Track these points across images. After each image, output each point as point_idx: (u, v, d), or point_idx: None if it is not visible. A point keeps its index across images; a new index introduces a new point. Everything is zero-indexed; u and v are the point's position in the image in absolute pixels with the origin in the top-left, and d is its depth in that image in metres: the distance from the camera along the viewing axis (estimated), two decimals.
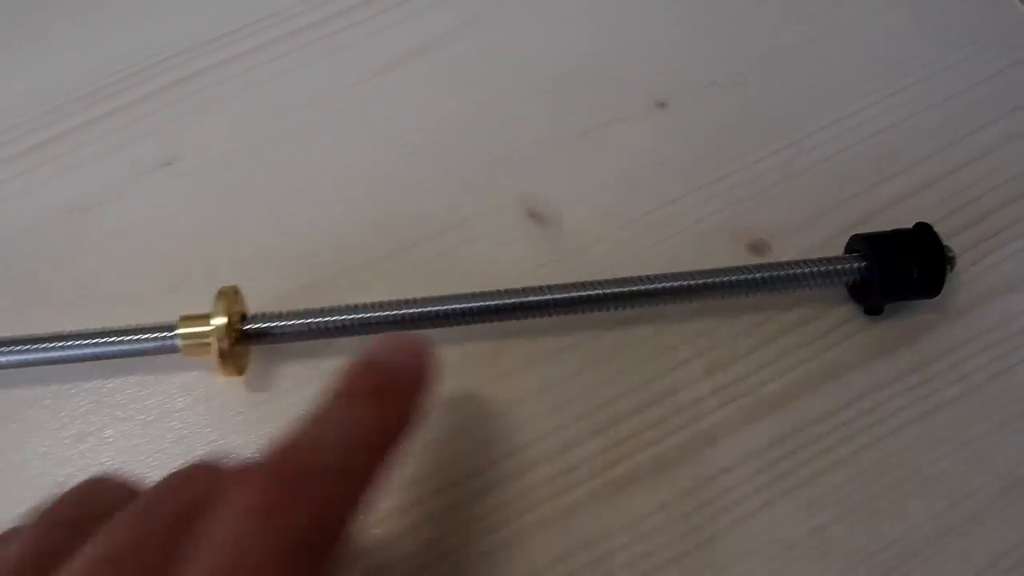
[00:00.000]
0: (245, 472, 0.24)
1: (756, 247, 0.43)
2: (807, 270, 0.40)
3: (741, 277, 0.40)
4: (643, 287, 0.40)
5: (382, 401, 0.28)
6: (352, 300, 0.40)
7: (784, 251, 0.43)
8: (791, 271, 0.40)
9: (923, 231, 0.40)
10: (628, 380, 0.41)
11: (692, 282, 0.40)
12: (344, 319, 0.39)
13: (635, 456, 0.39)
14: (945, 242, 0.41)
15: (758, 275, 0.40)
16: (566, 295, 0.40)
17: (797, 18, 0.50)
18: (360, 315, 0.39)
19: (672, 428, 0.40)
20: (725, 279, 0.40)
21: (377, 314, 0.39)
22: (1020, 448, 0.39)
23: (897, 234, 0.40)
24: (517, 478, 0.39)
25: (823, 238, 0.43)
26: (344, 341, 0.40)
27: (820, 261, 0.40)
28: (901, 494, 0.38)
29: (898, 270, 0.39)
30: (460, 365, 0.41)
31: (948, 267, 0.40)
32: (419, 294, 0.40)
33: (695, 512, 0.38)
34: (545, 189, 0.45)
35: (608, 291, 0.40)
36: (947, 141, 0.46)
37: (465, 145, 0.47)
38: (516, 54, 0.50)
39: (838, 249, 0.42)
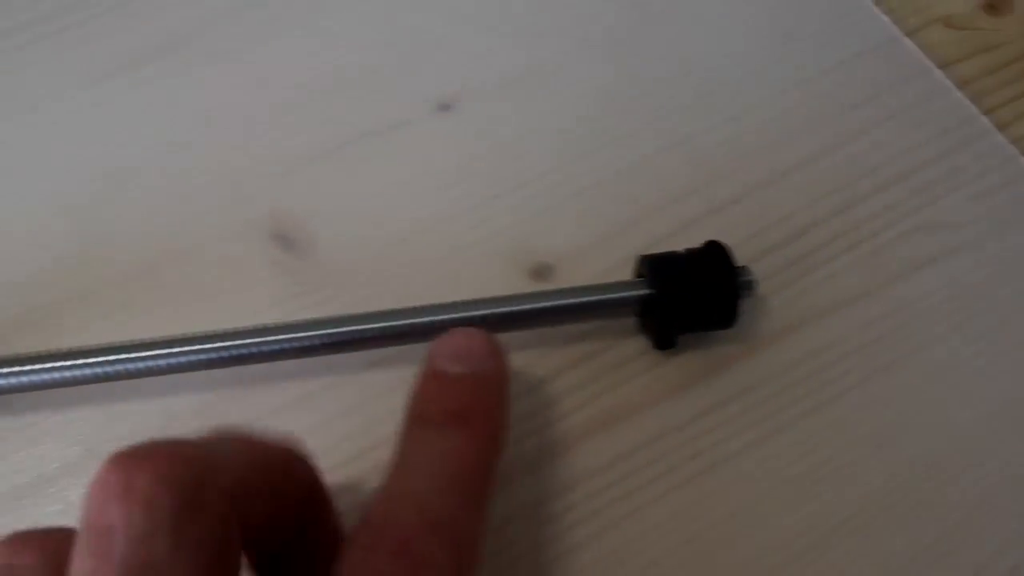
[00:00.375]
0: (357, 548, 0.23)
1: (539, 272, 0.38)
2: (576, 300, 0.34)
3: (504, 310, 0.34)
4: (395, 324, 0.34)
5: (469, 425, 0.27)
6: (69, 337, 0.34)
7: (570, 276, 0.37)
8: (558, 302, 0.34)
9: (713, 251, 0.34)
10: (381, 430, 0.34)
11: (451, 316, 0.34)
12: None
13: None
14: (742, 263, 0.35)
15: (520, 307, 0.34)
16: (297, 339, 0.34)
17: (615, 9, 0.45)
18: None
19: None
20: (488, 312, 0.34)
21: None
22: (829, 499, 0.34)
23: (684, 255, 0.34)
24: None
25: (616, 260, 0.37)
26: None
27: (596, 288, 0.35)
28: (694, 552, 0.33)
29: (683, 297, 0.33)
30: (196, 414, 0.35)
31: (745, 293, 0.35)
32: (144, 332, 0.34)
33: None
34: (299, 208, 0.39)
35: (351, 330, 0.34)
36: (758, 153, 0.41)
37: (207, 159, 0.41)
38: (272, 51, 0.43)
39: (631, 273, 0.37)
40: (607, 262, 0.38)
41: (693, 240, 0.36)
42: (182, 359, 0.33)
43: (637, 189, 0.40)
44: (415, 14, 0.44)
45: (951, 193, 0.40)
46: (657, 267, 0.35)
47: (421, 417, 0.27)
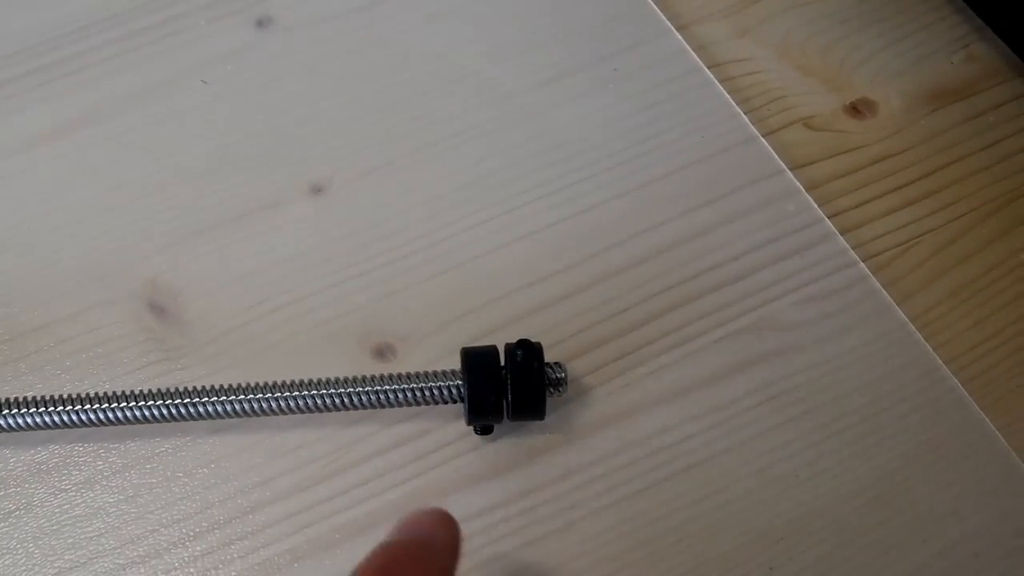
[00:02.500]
0: None
1: (382, 352, 0.40)
2: (401, 388, 0.37)
3: (334, 393, 0.38)
4: (235, 399, 0.38)
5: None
6: None
7: (409, 357, 0.40)
8: (385, 388, 0.37)
9: (525, 349, 0.36)
10: (217, 492, 0.38)
11: (286, 395, 0.37)
12: None
13: None
14: (564, 359, 0.38)
15: (351, 391, 0.38)
16: (146, 408, 0.38)
17: (482, 102, 0.47)
18: None
19: (242, 551, 0.37)
20: (316, 394, 0.38)
21: None
22: None
23: (495, 351, 0.37)
24: None
25: (454, 344, 0.40)
26: None
27: (421, 377, 0.37)
28: None
29: (489, 390, 0.36)
30: (32, 474, 0.39)
31: (555, 389, 0.37)
32: (24, 391, 0.38)
33: None
34: (174, 280, 0.43)
35: (203, 403, 0.38)
36: (600, 247, 0.43)
37: (95, 227, 0.44)
38: (166, 133, 0.47)
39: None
40: (445, 346, 0.40)
41: (530, 329, 0.40)
42: (38, 419, 0.37)
43: (480, 278, 0.42)
44: (296, 106, 0.47)
45: (785, 295, 0.42)
46: (473, 361, 0.37)
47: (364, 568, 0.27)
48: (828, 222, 0.43)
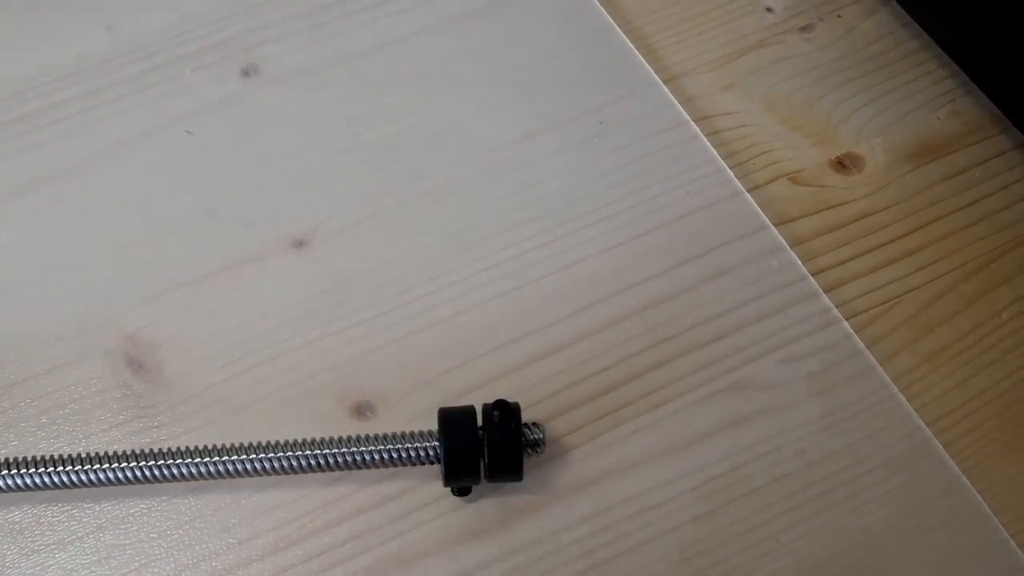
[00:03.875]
0: None
1: (360, 409, 0.40)
2: (376, 449, 0.37)
3: (304, 454, 0.38)
4: (211, 461, 0.37)
5: None
6: None
7: (388, 415, 0.40)
8: (354, 449, 0.37)
9: (501, 410, 0.36)
10: (176, 560, 0.38)
11: (261, 457, 0.37)
12: None
13: None
14: (541, 419, 0.38)
15: (327, 453, 0.38)
16: (120, 470, 0.37)
17: (465, 156, 0.47)
18: None
19: None
20: (292, 455, 0.37)
21: None
22: None
23: (472, 411, 0.37)
24: None
25: (434, 402, 0.39)
26: None
27: (397, 438, 0.37)
28: None
29: (466, 452, 0.36)
30: (4, 534, 0.38)
31: (532, 449, 0.37)
32: None
33: None
34: (153, 335, 0.42)
35: (178, 464, 0.37)
36: (583, 304, 0.43)
37: (71, 284, 0.44)
38: (149, 184, 0.46)
39: None
40: (425, 404, 0.40)
41: (511, 387, 0.40)
42: (11, 481, 0.37)
43: (461, 335, 0.42)
44: (281, 159, 0.47)
45: (767, 354, 0.42)
46: (450, 422, 0.37)
47: None
48: (812, 280, 0.43)
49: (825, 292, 0.43)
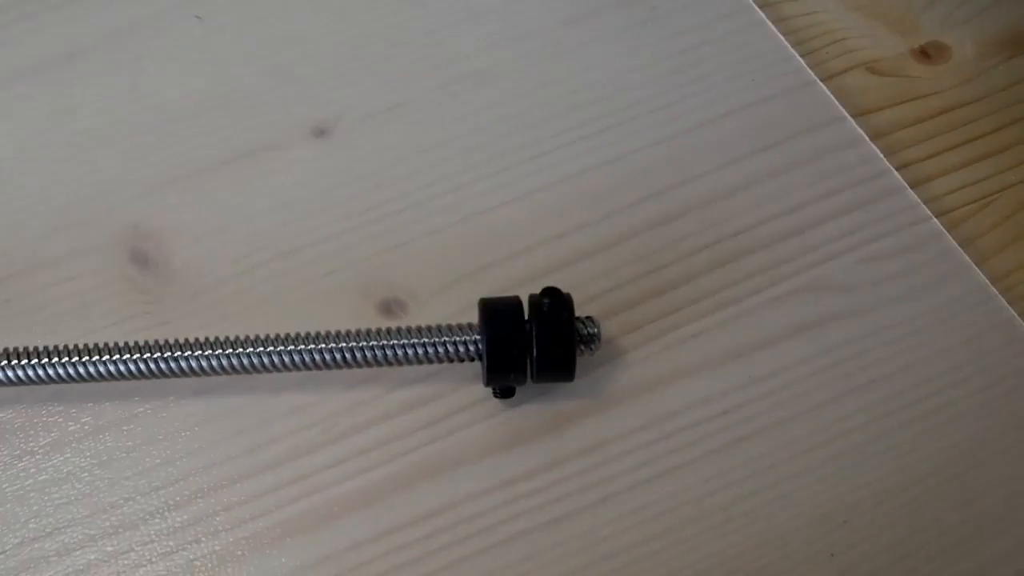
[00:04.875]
0: None
1: (389, 307, 0.36)
2: (409, 343, 0.33)
3: (328, 347, 0.33)
4: (223, 353, 0.33)
5: None
6: None
7: (419, 314, 0.36)
8: (392, 343, 0.32)
9: (549, 299, 0.32)
10: (195, 459, 0.33)
11: (280, 350, 0.32)
12: None
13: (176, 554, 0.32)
14: (598, 314, 0.33)
15: (353, 346, 0.33)
16: (123, 362, 0.33)
17: (504, 39, 0.43)
18: None
19: (227, 523, 0.33)
20: (315, 348, 0.33)
21: None
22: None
23: (518, 302, 0.32)
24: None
25: (471, 300, 0.35)
26: None
27: (432, 331, 0.33)
28: None
29: (511, 345, 0.31)
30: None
31: (585, 346, 0.32)
32: None
33: None
34: (160, 227, 0.38)
35: (187, 356, 0.33)
36: (640, 196, 0.39)
37: (73, 173, 0.39)
38: (158, 70, 0.42)
39: None
40: (460, 303, 0.36)
41: (557, 284, 0.34)
42: (5, 373, 0.33)
43: (500, 228, 0.38)
44: (300, 42, 0.43)
45: (846, 253, 0.37)
46: (493, 312, 0.32)
47: None
48: (896, 174, 0.38)
49: (911, 188, 0.38)
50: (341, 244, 0.37)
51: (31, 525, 0.33)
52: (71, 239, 0.38)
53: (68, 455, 0.34)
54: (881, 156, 0.39)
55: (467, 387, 0.34)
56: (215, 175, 0.39)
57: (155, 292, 0.36)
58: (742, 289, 0.36)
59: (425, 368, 0.34)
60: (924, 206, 0.38)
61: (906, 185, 0.38)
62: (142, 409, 0.34)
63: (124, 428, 0.34)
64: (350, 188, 0.39)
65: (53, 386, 0.33)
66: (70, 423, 0.34)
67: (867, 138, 0.39)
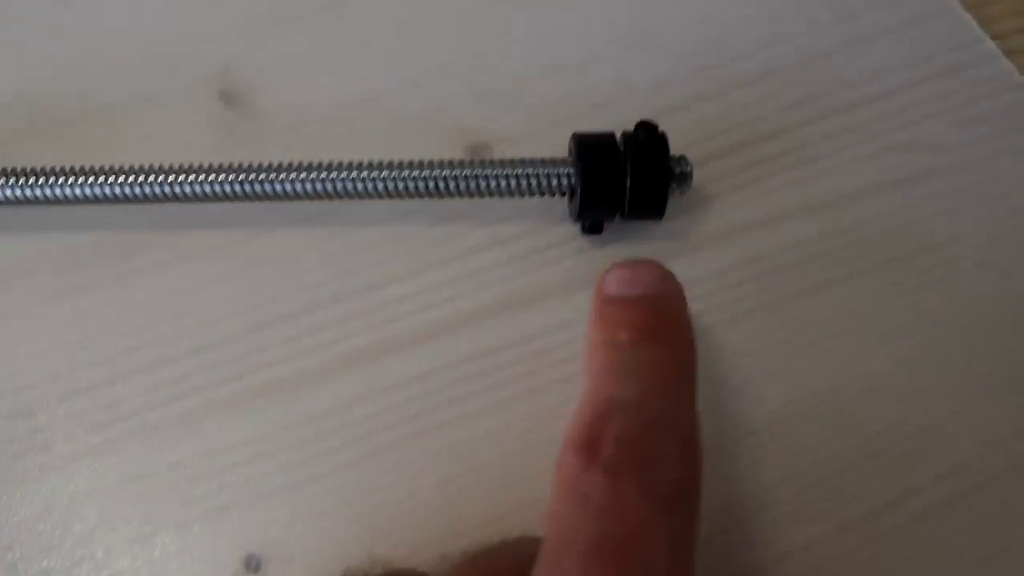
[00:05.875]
0: (580, 447, 0.23)
1: (477, 150, 0.36)
2: (498, 172, 0.32)
3: (428, 174, 0.33)
4: (310, 177, 0.33)
5: (662, 341, 0.26)
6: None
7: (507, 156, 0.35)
8: (476, 172, 0.32)
9: (644, 133, 0.32)
10: (275, 289, 0.34)
11: (366, 176, 0.33)
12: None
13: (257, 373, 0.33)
14: (681, 152, 0.32)
15: (445, 174, 0.33)
16: (209, 184, 0.33)
17: None
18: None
19: (317, 344, 0.33)
20: (404, 175, 0.33)
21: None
22: (745, 408, 0.32)
23: (614, 138, 0.32)
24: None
25: (560, 148, 0.35)
26: None
27: (522, 163, 0.32)
28: None
29: (607, 180, 0.31)
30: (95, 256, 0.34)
31: (679, 184, 0.32)
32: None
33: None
34: (249, 67, 0.38)
35: (275, 179, 0.33)
36: (735, 52, 0.39)
37: (163, 10, 0.40)
38: None
39: None
40: (550, 150, 0.35)
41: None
42: (107, 190, 0.33)
43: (595, 78, 0.38)
44: None
45: (936, 116, 0.37)
46: (585, 147, 0.32)
47: (612, 343, 0.26)
48: (989, 42, 0.38)
49: (1005, 56, 0.37)
50: (431, 87, 0.38)
51: (131, 341, 0.33)
52: (159, 78, 0.38)
53: (170, 276, 0.34)
54: (975, 25, 0.39)
55: (555, 227, 0.34)
56: (306, 18, 0.40)
57: (242, 131, 0.37)
58: (831, 146, 0.36)
59: (515, 204, 0.34)
60: (1019, 74, 0.37)
61: (1000, 54, 0.38)
62: (231, 238, 0.35)
63: (210, 255, 0.35)
64: (442, 32, 0.39)
65: (144, 211, 0.33)
66: (155, 249, 0.34)
67: (959, 6, 0.39)
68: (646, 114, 0.35)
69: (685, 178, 0.33)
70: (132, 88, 0.38)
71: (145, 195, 0.33)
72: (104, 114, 0.37)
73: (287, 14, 0.39)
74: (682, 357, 0.26)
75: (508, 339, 0.33)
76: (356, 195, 0.33)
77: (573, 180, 0.32)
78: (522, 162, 0.33)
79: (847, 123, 0.37)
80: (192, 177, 0.33)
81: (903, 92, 0.37)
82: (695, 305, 0.32)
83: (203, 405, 0.32)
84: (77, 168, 0.33)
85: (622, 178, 0.32)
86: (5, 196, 0.33)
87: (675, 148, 0.34)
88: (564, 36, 0.39)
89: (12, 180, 0.33)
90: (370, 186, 0.33)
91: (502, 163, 0.33)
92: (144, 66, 0.38)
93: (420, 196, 0.33)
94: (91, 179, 0.33)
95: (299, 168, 0.33)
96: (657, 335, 0.26)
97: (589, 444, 0.23)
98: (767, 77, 0.38)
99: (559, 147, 0.34)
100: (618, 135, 0.33)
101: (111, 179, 0.33)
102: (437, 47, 0.39)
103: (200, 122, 0.37)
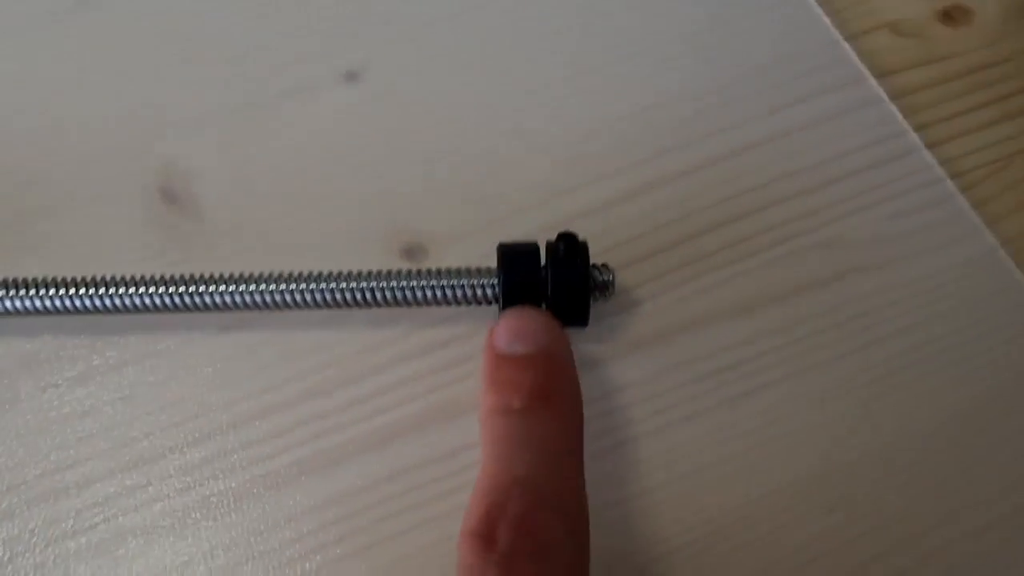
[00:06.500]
0: (476, 537, 0.25)
1: (411, 252, 0.36)
2: (428, 284, 0.33)
3: (350, 286, 0.34)
4: (247, 290, 0.34)
5: (552, 403, 0.29)
6: None
7: (440, 260, 0.36)
8: (404, 284, 0.33)
9: (564, 244, 0.32)
10: (204, 400, 0.35)
11: (303, 288, 0.33)
12: None
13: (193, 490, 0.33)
14: (614, 262, 0.34)
15: (373, 286, 0.34)
16: (148, 296, 0.34)
17: None
18: None
19: (244, 461, 0.34)
20: (337, 287, 0.34)
21: None
22: (661, 526, 0.33)
23: (535, 248, 0.33)
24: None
25: (491, 248, 0.35)
26: None
27: (450, 274, 0.33)
28: None
29: (526, 289, 0.32)
30: (21, 365, 0.35)
31: (600, 292, 0.33)
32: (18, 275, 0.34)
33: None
34: (190, 166, 0.39)
35: (211, 291, 0.34)
36: (661, 148, 0.39)
37: (105, 109, 0.40)
38: (186, 7, 0.42)
39: None
40: (481, 248, 0.36)
41: (577, 232, 0.34)
42: (31, 303, 0.34)
43: (522, 177, 0.38)
44: None
45: (862, 211, 0.38)
46: (510, 257, 0.33)
47: (506, 406, 0.28)
48: (913, 135, 0.39)
49: (928, 148, 0.38)
50: (367, 188, 0.38)
51: (52, 457, 0.33)
52: (101, 177, 0.38)
53: (91, 388, 0.35)
54: (900, 117, 0.39)
55: (485, 331, 0.35)
56: (246, 116, 0.40)
57: (182, 229, 0.37)
58: (757, 243, 0.37)
59: (444, 310, 0.34)
60: (939, 167, 0.38)
61: (922, 146, 0.39)
62: (166, 344, 0.35)
63: (148, 363, 0.35)
64: (378, 132, 0.39)
65: (79, 319, 0.34)
66: (95, 356, 0.35)
67: (887, 98, 0.39)
68: (576, 211, 0.36)
69: (607, 286, 0.33)
70: (71, 187, 0.38)
71: (76, 307, 0.33)
72: (44, 213, 0.38)
73: (228, 114, 0.40)
74: (571, 418, 0.29)
75: (442, 451, 0.34)
76: (290, 307, 0.34)
77: (498, 290, 0.33)
78: (449, 272, 0.33)
79: (774, 219, 0.37)
80: (123, 290, 0.34)
81: (829, 187, 0.38)
82: (625, 413, 0.33)
83: (123, 529, 0.32)
84: (9, 280, 0.33)
85: (544, 290, 0.32)
86: None
87: (603, 245, 0.35)
88: (499, 135, 0.39)
89: None
90: (306, 297, 0.33)
91: (430, 273, 0.33)
92: (84, 164, 0.39)
93: (352, 307, 0.33)
94: (23, 291, 0.33)
95: (234, 280, 0.33)
96: (549, 398, 0.29)
97: (485, 535, 0.25)
98: (694, 173, 0.38)
99: (491, 245, 0.35)
100: (543, 243, 0.33)
101: (43, 291, 0.33)
102: (373, 149, 0.39)
103: (140, 220, 0.38)
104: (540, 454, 0.27)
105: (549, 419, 0.28)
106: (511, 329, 0.30)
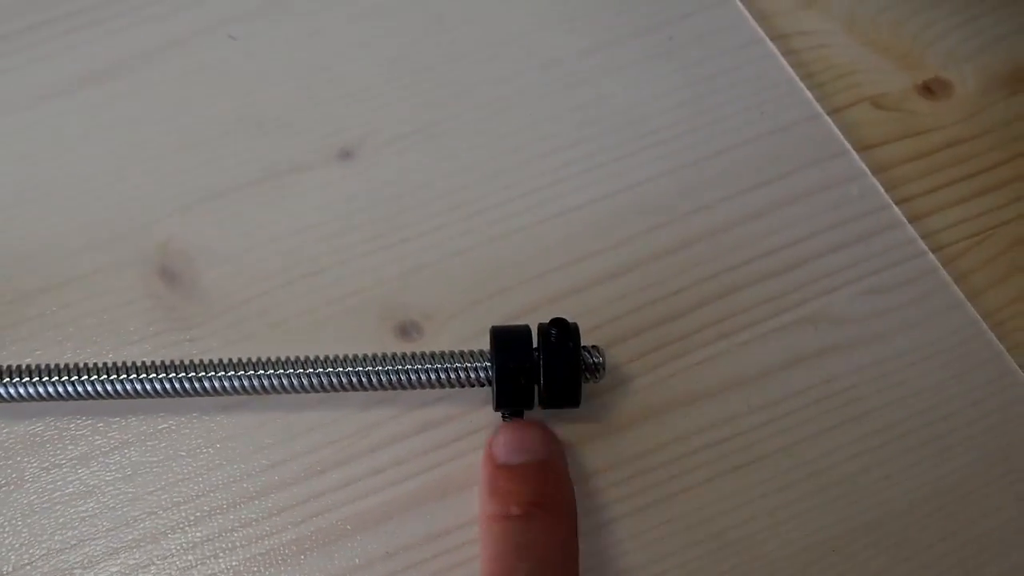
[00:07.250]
0: None
1: (405, 330, 0.37)
2: (422, 368, 0.34)
3: (346, 370, 0.35)
4: (246, 375, 0.35)
5: (549, 510, 0.31)
6: None
7: (435, 337, 0.37)
8: (399, 368, 0.34)
9: (556, 329, 0.33)
10: (219, 475, 0.35)
11: (300, 372, 0.34)
12: None
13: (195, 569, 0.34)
14: (603, 343, 0.35)
15: (368, 370, 0.35)
16: (150, 381, 0.35)
17: (523, 70, 0.44)
18: None
19: (244, 539, 0.35)
20: (333, 371, 0.35)
21: None
22: None
23: (527, 331, 0.34)
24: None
25: (486, 324, 0.36)
26: None
27: (444, 357, 0.34)
28: None
29: (519, 373, 0.33)
30: (25, 447, 0.36)
31: (591, 374, 0.34)
32: (23, 357, 0.36)
33: None
34: (188, 245, 0.40)
35: (211, 377, 0.35)
36: (648, 226, 0.40)
37: (104, 189, 0.41)
38: (182, 91, 0.43)
39: None
40: (475, 326, 0.37)
41: (568, 311, 0.36)
42: (34, 389, 0.34)
43: (515, 255, 0.39)
44: (329, 65, 0.44)
45: (845, 286, 0.39)
46: (503, 341, 0.34)
47: (505, 512, 0.31)
48: (895, 209, 0.40)
49: (910, 222, 0.40)
50: (362, 266, 0.39)
51: (56, 537, 0.34)
52: (101, 256, 0.39)
53: (94, 468, 0.35)
54: (882, 191, 0.40)
55: (478, 411, 0.36)
56: (242, 195, 0.41)
57: (181, 309, 0.38)
58: (744, 319, 0.38)
59: (439, 391, 0.35)
60: (921, 241, 0.39)
61: (905, 220, 0.40)
62: (167, 424, 0.36)
63: (149, 443, 0.36)
64: (372, 210, 0.40)
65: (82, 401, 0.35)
66: (97, 437, 0.36)
67: (868, 172, 0.41)
68: (567, 288, 0.38)
69: (597, 368, 0.34)
70: (70, 269, 0.39)
71: (77, 393, 0.34)
72: (43, 292, 0.39)
73: (224, 194, 0.41)
74: (567, 524, 0.31)
75: (438, 529, 0.35)
76: (288, 391, 0.34)
77: (491, 373, 0.34)
78: (443, 356, 0.34)
79: (758, 296, 0.39)
80: (124, 376, 0.34)
81: (813, 262, 0.39)
82: (614, 491, 0.34)
83: None
84: (13, 368, 0.34)
85: (536, 372, 0.33)
86: None
87: (594, 323, 0.36)
88: (489, 213, 0.40)
89: None
90: (303, 382, 0.34)
91: (424, 357, 0.34)
92: (83, 246, 0.39)
93: (350, 390, 0.34)
94: (25, 379, 0.34)
95: (232, 366, 0.34)
96: (546, 505, 0.31)
97: None
98: (679, 250, 0.39)
99: (485, 322, 0.36)
100: (535, 327, 0.34)
101: (51, 378, 0.34)
102: (367, 226, 0.40)
103: (140, 300, 0.38)
104: (539, 560, 0.29)
105: (546, 525, 0.30)
106: (510, 442, 0.33)
